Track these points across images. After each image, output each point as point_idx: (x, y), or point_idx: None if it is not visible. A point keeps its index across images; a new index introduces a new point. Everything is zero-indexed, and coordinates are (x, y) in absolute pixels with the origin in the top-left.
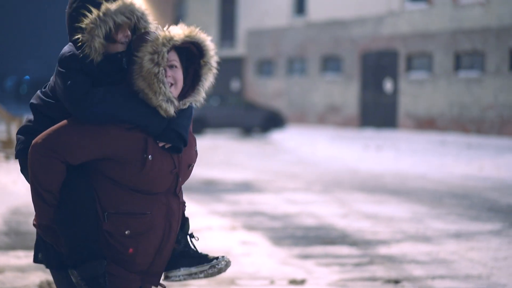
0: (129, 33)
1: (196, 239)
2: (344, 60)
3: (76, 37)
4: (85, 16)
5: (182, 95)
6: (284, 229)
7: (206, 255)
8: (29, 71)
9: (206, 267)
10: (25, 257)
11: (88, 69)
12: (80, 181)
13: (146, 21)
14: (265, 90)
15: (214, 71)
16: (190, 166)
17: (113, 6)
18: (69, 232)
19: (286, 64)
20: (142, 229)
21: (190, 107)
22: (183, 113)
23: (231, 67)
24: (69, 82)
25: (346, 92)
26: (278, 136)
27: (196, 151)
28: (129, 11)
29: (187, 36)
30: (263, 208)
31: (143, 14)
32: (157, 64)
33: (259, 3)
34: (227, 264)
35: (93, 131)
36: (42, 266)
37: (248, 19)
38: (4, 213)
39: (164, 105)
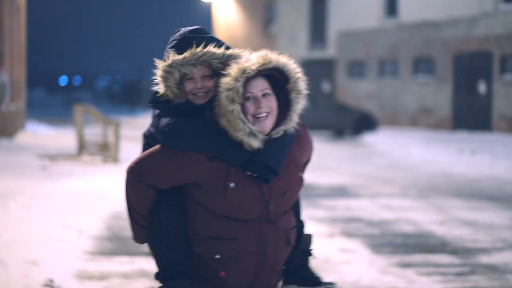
0: (206, 83)
1: (314, 257)
2: (436, 62)
3: (155, 87)
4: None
5: (275, 123)
6: (382, 236)
7: (318, 278)
8: (120, 72)
9: None
10: (129, 263)
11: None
12: (169, 203)
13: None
14: (356, 92)
15: (304, 93)
16: (285, 194)
17: (180, 56)
18: (156, 251)
19: (377, 65)
20: (232, 254)
21: (285, 135)
22: (275, 143)
23: (321, 69)
24: (156, 112)
25: (439, 94)
26: (369, 139)
27: (300, 177)
28: (201, 61)
29: (261, 65)
30: (360, 214)
31: (227, 57)
32: (232, 101)
33: (350, 4)
34: None
35: (176, 158)
36: (146, 272)
37: (338, 20)
38: (105, 218)
39: (246, 139)
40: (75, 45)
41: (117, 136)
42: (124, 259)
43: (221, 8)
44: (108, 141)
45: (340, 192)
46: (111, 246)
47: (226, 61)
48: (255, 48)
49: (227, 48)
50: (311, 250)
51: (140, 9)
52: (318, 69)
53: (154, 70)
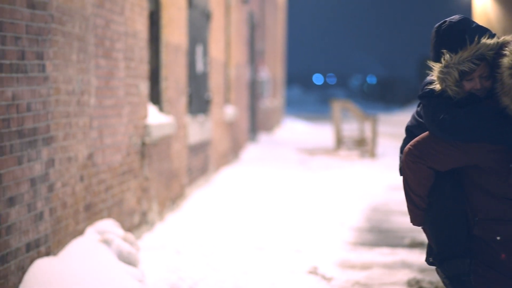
0: (485, 83)
1: None
2: None
3: (431, 86)
4: (440, 56)
5: None
6: None
7: None
8: (372, 70)
9: None
10: (390, 254)
11: (447, 95)
12: (448, 185)
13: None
14: None
15: None
16: None
17: (456, 56)
18: (435, 232)
19: None
20: None
21: None
22: None
23: None
24: (428, 107)
25: None
26: None
27: None
28: (477, 56)
29: None
30: None
31: (501, 45)
32: None
33: None
34: None
35: (456, 143)
36: (408, 263)
37: None
38: (364, 210)
39: None
40: (328, 43)
41: (374, 132)
42: (385, 250)
43: (479, 1)
44: (365, 137)
45: None
46: (371, 238)
47: (500, 50)
48: None
49: (493, 36)
50: None
51: (390, 5)
52: None
53: (429, 72)
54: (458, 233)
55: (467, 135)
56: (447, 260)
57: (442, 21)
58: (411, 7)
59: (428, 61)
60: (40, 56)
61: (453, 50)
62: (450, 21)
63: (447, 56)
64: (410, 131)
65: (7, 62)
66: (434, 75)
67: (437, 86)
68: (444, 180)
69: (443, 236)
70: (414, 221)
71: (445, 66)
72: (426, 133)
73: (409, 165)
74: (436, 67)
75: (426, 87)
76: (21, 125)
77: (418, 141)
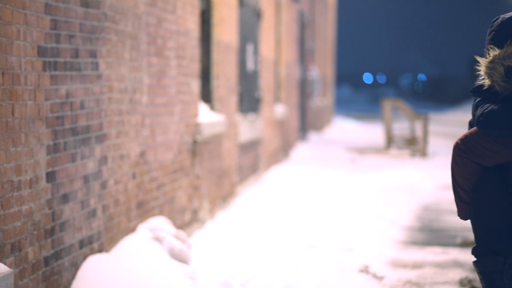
0: None
1: None
2: None
3: (480, 81)
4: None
5: None
6: None
7: None
8: (421, 69)
9: None
10: (442, 253)
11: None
12: (493, 180)
13: None
14: None
15: None
16: None
17: (500, 51)
18: (476, 227)
19: None
20: None
21: None
22: None
23: None
24: (475, 101)
25: None
26: None
27: None
28: None
29: None
30: None
31: None
32: None
33: None
34: None
35: (499, 139)
36: (460, 263)
37: None
38: (415, 209)
39: None
40: (378, 42)
41: (425, 131)
42: (437, 249)
43: None
44: (416, 136)
45: None
46: (422, 237)
47: None
48: None
49: None
50: None
51: (441, 3)
52: None
53: (477, 67)
54: (497, 230)
55: (503, 130)
56: (483, 255)
57: (496, 17)
58: (462, 5)
59: (475, 56)
60: (93, 54)
61: (501, 45)
62: (502, 17)
63: (491, 51)
64: (471, 125)
65: (61, 60)
66: (481, 71)
67: (486, 82)
68: (488, 176)
69: (482, 232)
70: (460, 214)
71: (491, 62)
72: (474, 128)
73: (455, 159)
74: (483, 62)
75: (476, 82)
76: (74, 122)
77: (465, 136)
